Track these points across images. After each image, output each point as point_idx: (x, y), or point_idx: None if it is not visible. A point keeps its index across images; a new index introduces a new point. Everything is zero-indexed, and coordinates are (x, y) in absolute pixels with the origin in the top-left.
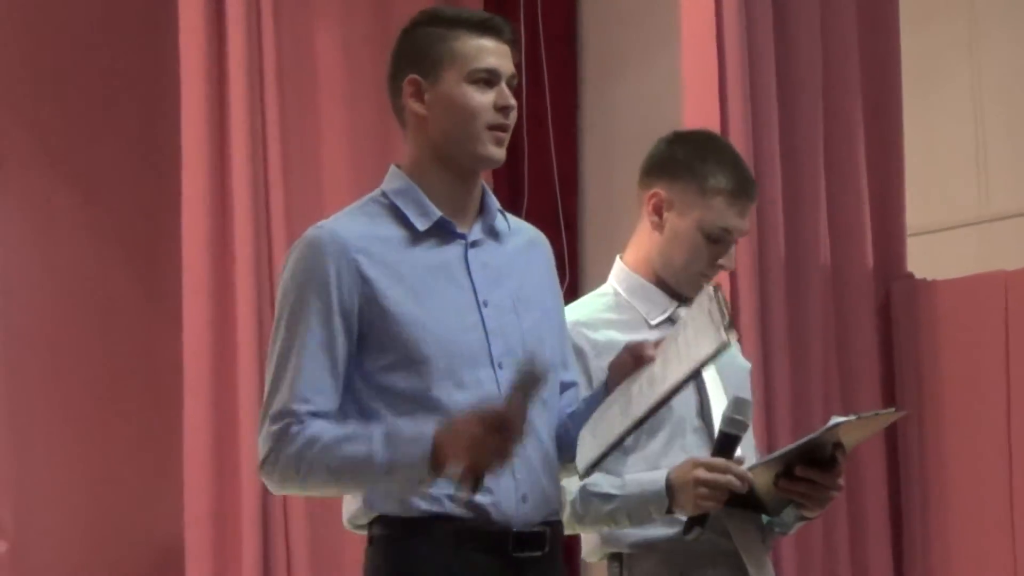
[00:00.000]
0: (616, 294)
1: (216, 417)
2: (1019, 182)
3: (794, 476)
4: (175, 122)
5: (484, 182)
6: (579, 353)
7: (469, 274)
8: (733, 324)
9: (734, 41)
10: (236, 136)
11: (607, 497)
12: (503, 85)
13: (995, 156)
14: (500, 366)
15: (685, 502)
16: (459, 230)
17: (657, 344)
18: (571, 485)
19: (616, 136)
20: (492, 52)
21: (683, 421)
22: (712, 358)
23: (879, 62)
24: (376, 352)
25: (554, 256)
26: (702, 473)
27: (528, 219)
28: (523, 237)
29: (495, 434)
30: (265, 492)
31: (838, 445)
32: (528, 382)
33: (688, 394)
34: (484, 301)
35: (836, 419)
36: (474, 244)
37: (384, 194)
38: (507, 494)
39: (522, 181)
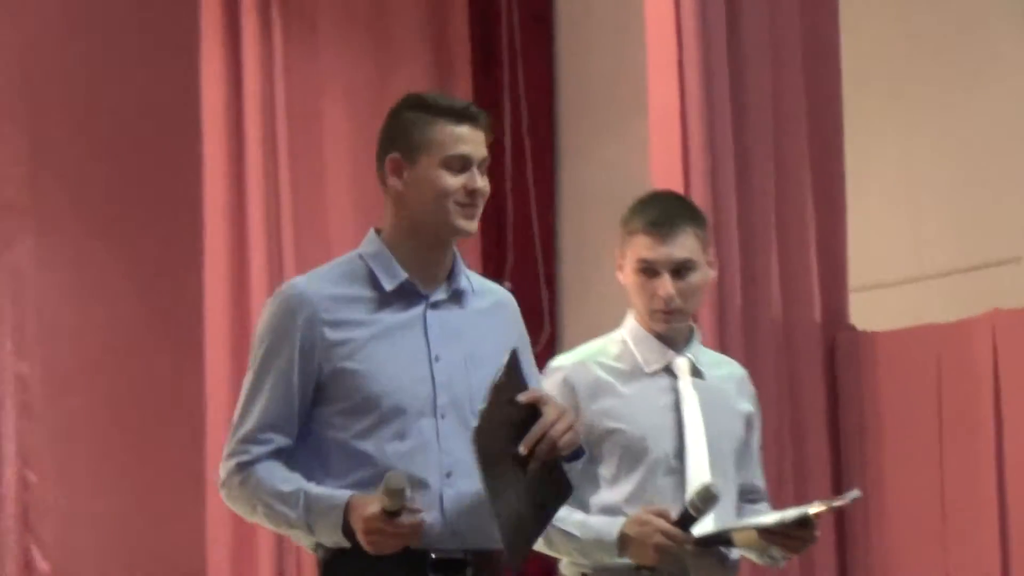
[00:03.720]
0: (623, 342)
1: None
2: (948, 244)
3: (774, 530)
4: (197, 184)
5: (457, 251)
6: (571, 390)
7: (426, 331)
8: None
9: (696, 117)
10: (252, 191)
11: (568, 535)
12: (474, 169)
13: (927, 221)
14: (443, 416)
15: (639, 556)
16: (423, 291)
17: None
18: None
19: (590, 203)
20: (466, 140)
21: (658, 463)
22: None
23: (825, 137)
24: (332, 400)
25: (535, 310)
26: (662, 541)
27: (512, 278)
28: (489, 299)
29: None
30: None
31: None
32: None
33: (667, 434)
34: (436, 356)
35: (820, 506)
36: (435, 305)
37: (360, 256)
38: (432, 526)
39: (506, 244)
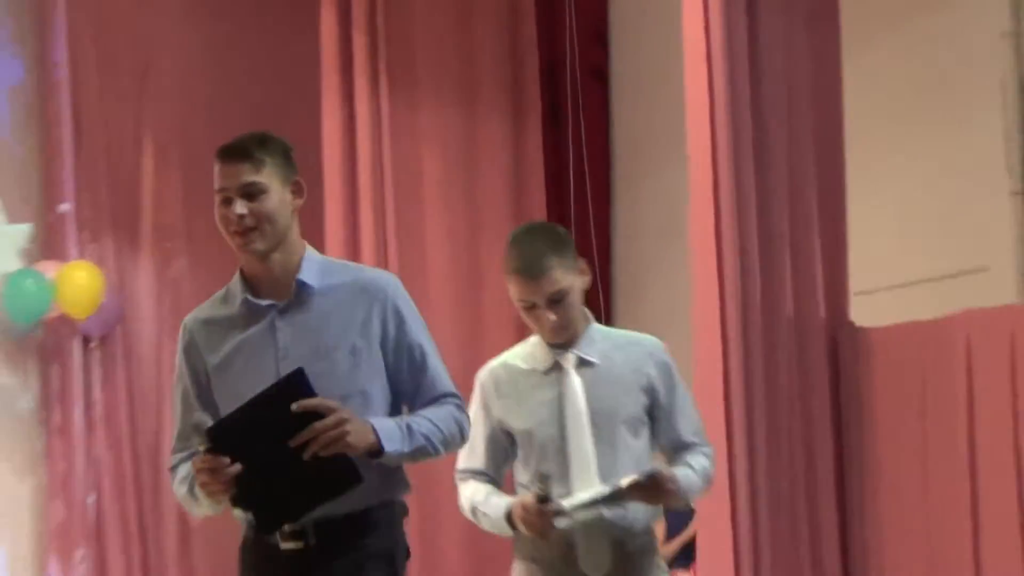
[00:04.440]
0: (534, 345)
1: None
2: (931, 257)
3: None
4: (319, 217)
5: (312, 255)
6: (481, 391)
7: (274, 335)
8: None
9: (725, 158)
10: (364, 224)
11: (486, 515)
12: (235, 200)
13: (914, 238)
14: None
15: (523, 528)
16: (267, 303)
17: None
18: (465, 491)
19: (639, 227)
20: (221, 175)
21: (547, 447)
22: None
23: (830, 169)
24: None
25: (594, 312)
26: (522, 514)
27: None
28: (346, 289)
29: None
30: None
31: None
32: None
33: (552, 422)
34: (283, 355)
35: (643, 472)
36: (284, 310)
37: (229, 284)
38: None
39: None
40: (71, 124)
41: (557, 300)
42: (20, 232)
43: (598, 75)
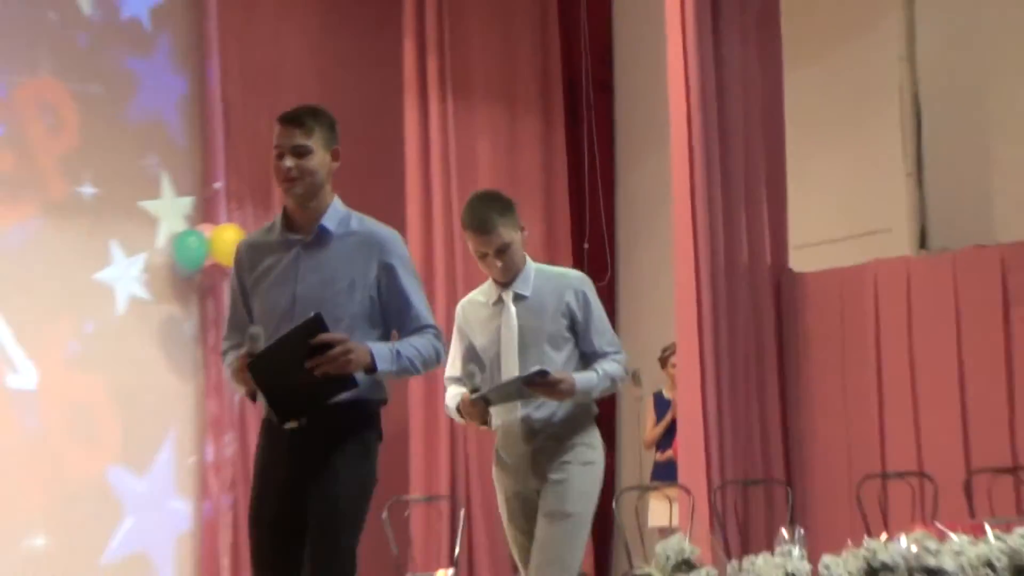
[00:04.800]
0: (489, 284)
1: (426, 418)
2: (849, 220)
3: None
4: (400, 202)
5: (338, 204)
6: (457, 315)
7: (297, 265)
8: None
9: (698, 149)
10: (436, 201)
11: (451, 410)
12: (286, 156)
13: (836, 205)
14: (299, 317)
15: (466, 417)
16: (297, 238)
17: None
18: (446, 394)
19: (636, 198)
20: (279, 135)
21: (493, 361)
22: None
23: (774, 156)
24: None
25: (603, 261)
26: (462, 405)
27: (590, 240)
28: (356, 238)
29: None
30: (453, 445)
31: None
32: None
33: (494, 343)
34: (299, 280)
35: (528, 372)
36: (307, 245)
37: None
38: None
39: (586, 221)
40: (222, 122)
41: (502, 251)
42: (185, 203)
43: (605, 88)
